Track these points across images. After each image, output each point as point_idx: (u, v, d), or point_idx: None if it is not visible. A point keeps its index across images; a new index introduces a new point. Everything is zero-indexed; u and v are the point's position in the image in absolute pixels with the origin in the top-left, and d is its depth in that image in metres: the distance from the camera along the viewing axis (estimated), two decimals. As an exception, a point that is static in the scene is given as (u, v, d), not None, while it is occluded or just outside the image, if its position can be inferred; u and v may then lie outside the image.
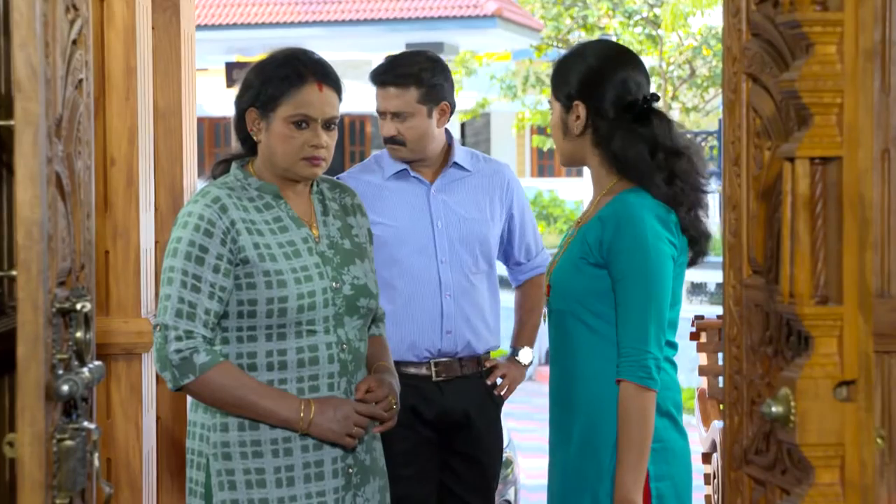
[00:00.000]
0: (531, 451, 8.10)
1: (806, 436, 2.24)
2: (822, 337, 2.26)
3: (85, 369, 2.45)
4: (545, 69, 24.35)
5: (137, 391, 4.00)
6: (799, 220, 2.28)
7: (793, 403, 2.26)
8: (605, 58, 3.32)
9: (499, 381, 4.32)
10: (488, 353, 4.31)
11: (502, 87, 23.95)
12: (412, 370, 4.22)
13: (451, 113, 4.28)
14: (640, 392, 3.13)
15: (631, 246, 3.16)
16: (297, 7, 24.26)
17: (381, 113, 4.23)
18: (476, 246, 4.23)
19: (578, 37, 21.89)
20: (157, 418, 4.37)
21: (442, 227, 4.23)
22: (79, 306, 2.42)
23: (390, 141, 4.22)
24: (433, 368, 4.24)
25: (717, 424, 4.60)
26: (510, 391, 4.33)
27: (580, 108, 3.28)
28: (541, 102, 24.08)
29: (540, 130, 25.61)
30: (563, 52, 3.42)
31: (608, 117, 3.27)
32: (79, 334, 2.43)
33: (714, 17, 23.13)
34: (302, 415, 3.11)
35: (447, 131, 4.33)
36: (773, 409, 2.27)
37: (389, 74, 4.23)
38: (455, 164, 4.29)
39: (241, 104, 3.24)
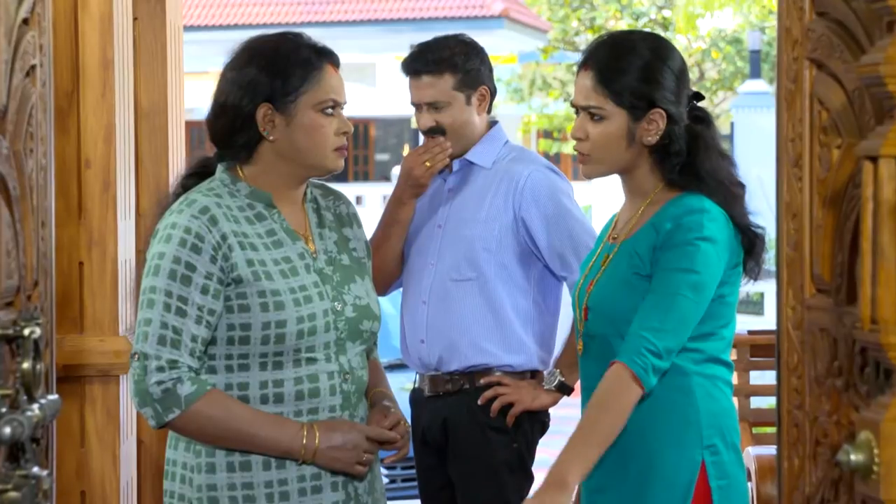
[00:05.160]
0: (537, 466, 7.81)
1: (893, 490, 1.88)
2: (910, 371, 1.90)
3: (35, 406, 2.09)
4: (552, 72, 24.11)
5: (115, 416, 3.70)
6: (883, 231, 1.92)
7: (876, 451, 1.89)
8: (668, 55, 2.92)
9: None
10: (491, 369, 3.86)
11: (508, 90, 23.71)
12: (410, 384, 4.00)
13: (492, 98, 3.95)
14: (630, 383, 2.75)
15: (679, 244, 2.80)
16: (300, 7, 24.04)
17: (416, 105, 3.91)
18: (462, 250, 3.87)
19: (585, 39, 21.63)
20: (140, 443, 4.06)
21: (441, 228, 3.91)
22: (27, 332, 2.07)
23: (429, 133, 3.89)
24: (427, 382, 3.94)
25: (752, 451, 4.25)
26: (512, 414, 3.83)
27: (658, 116, 2.88)
28: (547, 106, 23.84)
29: (546, 134, 25.36)
30: (604, 43, 2.96)
31: (683, 123, 2.90)
32: (26, 365, 2.07)
33: (723, 20, 22.88)
34: (305, 442, 2.78)
35: (493, 124, 4.00)
36: (852, 457, 1.91)
37: (421, 62, 3.88)
38: (467, 160, 3.94)
39: (249, 104, 2.84)
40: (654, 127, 2.88)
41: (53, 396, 2.19)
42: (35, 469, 2.09)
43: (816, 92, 2.23)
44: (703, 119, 2.94)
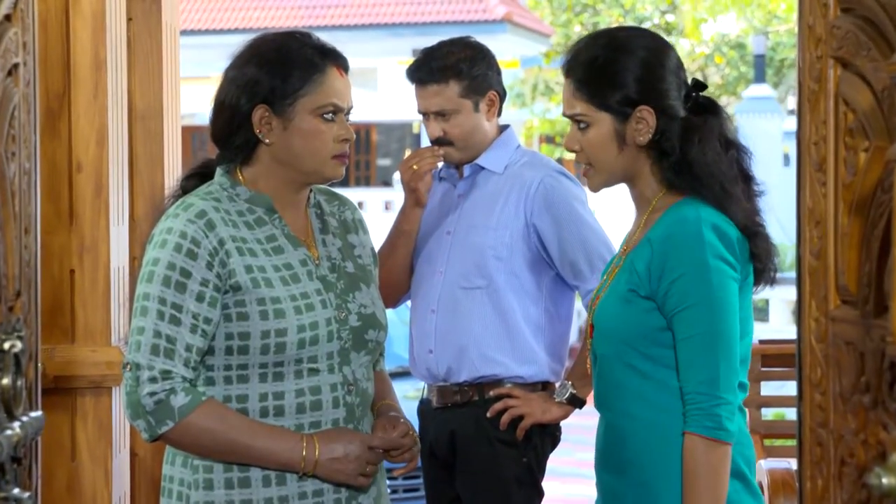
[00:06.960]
0: (548, 476, 7.69)
1: (928, 516, 1.77)
2: (945, 389, 1.79)
3: (15, 424, 1.99)
4: (554, 77, 24.03)
5: (107, 429, 3.59)
6: (916, 240, 1.81)
7: (909, 474, 1.78)
8: (651, 46, 2.77)
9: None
10: (501, 381, 3.77)
11: (511, 94, 23.66)
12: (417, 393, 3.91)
13: (501, 101, 3.86)
14: (710, 447, 2.62)
15: (688, 270, 2.65)
16: (301, 11, 24.00)
17: (424, 113, 3.82)
18: (472, 257, 3.77)
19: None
20: (134, 456, 3.96)
21: (450, 235, 3.81)
22: (7, 346, 1.96)
23: (437, 143, 3.80)
24: (435, 393, 3.84)
25: (764, 464, 4.13)
26: (522, 427, 3.74)
27: (646, 113, 2.73)
28: (549, 111, 23.78)
29: (549, 139, 25.28)
30: (580, 48, 2.81)
31: (678, 116, 2.76)
32: (6, 381, 1.97)
33: (727, 24, 22.82)
34: (305, 453, 2.67)
35: (505, 128, 3.90)
36: (884, 480, 1.80)
37: (424, 70, 3.79)
38: (478, 166, 3.85)
39: (246, 104, 2.73)
40: (644, 125, 2.74)
41: (37, 413, 2.08)
42: (16, 490, 1.99)
43: (842, 92, 2.12)
44: (707, 108, 2.79)
